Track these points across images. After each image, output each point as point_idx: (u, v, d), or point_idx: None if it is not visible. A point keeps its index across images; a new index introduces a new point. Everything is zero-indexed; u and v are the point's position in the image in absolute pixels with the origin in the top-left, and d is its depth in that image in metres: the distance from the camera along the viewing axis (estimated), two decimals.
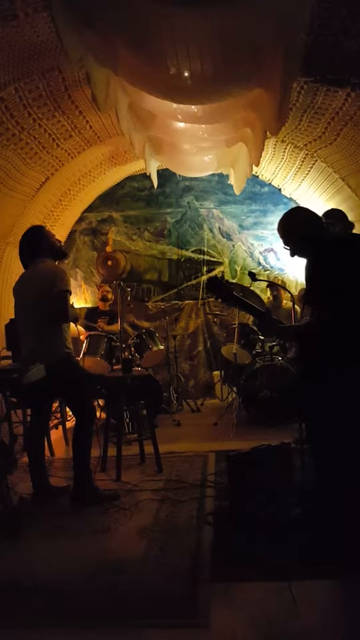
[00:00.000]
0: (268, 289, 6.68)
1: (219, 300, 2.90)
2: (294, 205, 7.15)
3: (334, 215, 4.06)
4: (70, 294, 3.60)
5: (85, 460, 3.58)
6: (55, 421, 5.35)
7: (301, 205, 7.06)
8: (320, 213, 3.18)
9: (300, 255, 2.86)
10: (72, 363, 3.70)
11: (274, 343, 5.71)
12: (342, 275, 2.58)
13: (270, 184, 7.25)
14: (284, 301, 6.49)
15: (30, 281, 3.64)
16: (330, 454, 2.63)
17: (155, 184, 6.20)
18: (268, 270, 7.41)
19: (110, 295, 6.59)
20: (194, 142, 5.03)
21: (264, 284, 6.79)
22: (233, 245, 7.50)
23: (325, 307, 2.61)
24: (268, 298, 6.60)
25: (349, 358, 2.50)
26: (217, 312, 7.29)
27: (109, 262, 7.42)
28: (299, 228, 2.84)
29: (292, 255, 2.89)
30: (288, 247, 2.90)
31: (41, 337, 3.56)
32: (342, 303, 2.54)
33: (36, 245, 3.72)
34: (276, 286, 6.40)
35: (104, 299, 6.60)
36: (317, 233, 2.81)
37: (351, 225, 4.19)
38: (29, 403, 4.82)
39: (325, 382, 2.60)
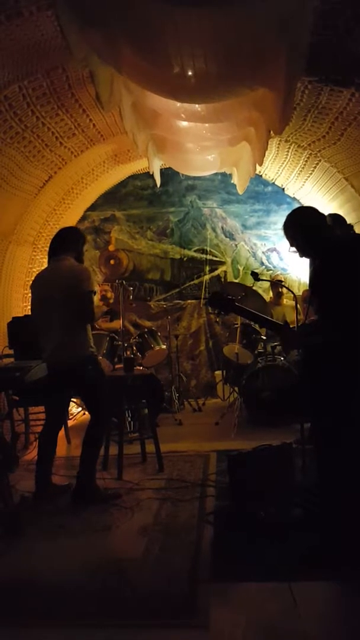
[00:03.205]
0: (270, 288, 6.66)
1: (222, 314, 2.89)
2: (297, 205, 7.17)
3: (334, 219, 4.07)
4: (95, 294, 3.61)
5: (93, 461, 3.59)
6: None
7: (305, 205, 7.07)
8: None
9: (307, 255, 2.85)
10: (96, 363, 3.71)
11: (276, 343, 5.70)
12: (350, 277, 2.57)
13: (273, 183, 7.24)
14: (284, 298, 6.46)
15: (56, 278, 3.62)
16: (333, 455, 2.63)
17: (159, 182, 6.19)
18: (271, 270, 7.39)
19: (109, 294, 6.58)
20: (198, 141, 5.02)
21: (267, 284, 6.78)
22: (236, 245, 7.49)
23: (334, 309, 2.60)
24: (270, 297, 6.58)
25: (354, 360, 2.50)
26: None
27: (112, 261, 7.42)
28: (304, 228, 2.81)
29: (301, 256, 2.88)
30: (294, 249, 2.88)
31: (68, 335, 3.56)
32: (350, 305, 2.53)
33: (71, 244, 3.76)
34: (277, 286, 6.38)
35: (103, 298, 6.60)
36: (323, 233, 2.79)
37: (350, 227, 4.20)
38: (30, 401, 4.85)
39: (330, 383, 2.59)
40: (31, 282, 3.86)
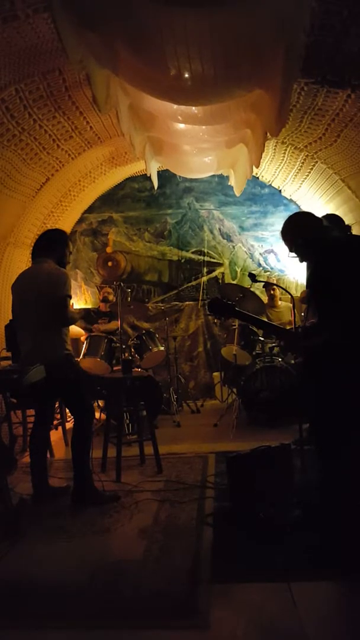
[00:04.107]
0: (265, 291, 6.68)
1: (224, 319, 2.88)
2: (294, 207, 7.20)
3: (331, 220, 4.08)
4: (71, 298, 3.62)
5: (84, 461, 3.58)
6: (55, 422, 5.34)
7: (302, 206, 7.10)
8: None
9: (307, 259, 2.87)
10: (72, 363, 3.72)
11: (274, 344, 5.71)
12: (348, 276, 2.57)
13: (270, 185, 7.25)
14: (279, 300, 6.48)
15: (32, 281, 3.64)
16: (334, 455, 2.63)
17: (156, 185, 6.20)
18: (268, 271, 7.41)
19: (111, 297, 6.59)
20: (194, 143, 5.03)
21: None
22: (233, 247, 7.50)
23: (333, 309, 2.61)
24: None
25: (354, 359, 2.50)
26: None
27: (109, 263, 7.42)
28: (301, 232, 2.84)
29: (301, 261, 2.90)
30: (294, 254, 2.90)
31: (41, 337, 3.57)
32: (348, 304, 2.53)
33: (53, 246, 3.73)
34: (271, 287, 6.41)
35: (105, 300, 6.61)
36: (320, 235, 2.82)
37: (348, 228, 4.20)
38: (28, 404, 4.84)
39: (331, 383, 2.59)
40: (12, 283, 3.85)
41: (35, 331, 3.58)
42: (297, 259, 2.93)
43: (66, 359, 3.64)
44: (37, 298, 3.55)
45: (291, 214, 3.08)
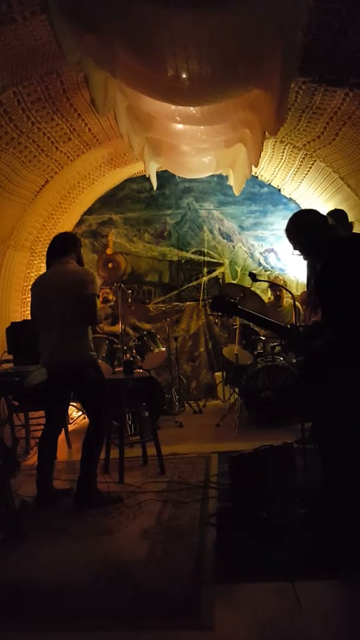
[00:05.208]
0: (269, 289, 6.68)
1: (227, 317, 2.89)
2: (293, 206, 7.20)
3: (336, 216, 4.07)
4: (98, 297, 3.62)
5: (93, 463, 3.59)
6: None
7: (301, 205, 7.09)
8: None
9: (311, 257, 2.86)
10: (97, 366, 3.73)
11: (275, 344, 5.71)
12: (352, 276, 2.57)
13: (269, 184, 7.25)
14: (285, 299, 6.48)
15: (57, 280, 3.63)
16: (337, 456, 2.62)
17: (155, 185, 6.20)
18: (269, 270, 7.40)
19: (110, 297, 6.60)
20: (193, 143, 5.03)
21: (265, 285, 6.79)
22: (233, 246, 7.50)
23: (336, 309, 2.60)
24: (269, 298, 6.60)
25: (356, 360, 2.49)
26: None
27: (110, 265, 7.42)
28: (306, 231, 2.82)
29: (305, 259, 2.89)
30: (298, 252, 2.89)
31: (69, 337, 3.57)
32: (351, 304, 2.53)
33: (72, 247, 3.76)
34: (278, 287, 6.41)
35: (105, 300, 6.61)
36: (325, 234, 2.80)
37: (351, 225, 4.20)
38: (30, 406, 4.84)
39: (332, 383, 2.59)
40: (31, 285, 3.85)
41: (62, 331, 3.57)
42: (301, 257, 2.93)
43: (91, 361, 3.65)
44: (64, 298, 3.54)
45: (294, 212, 3.07)
